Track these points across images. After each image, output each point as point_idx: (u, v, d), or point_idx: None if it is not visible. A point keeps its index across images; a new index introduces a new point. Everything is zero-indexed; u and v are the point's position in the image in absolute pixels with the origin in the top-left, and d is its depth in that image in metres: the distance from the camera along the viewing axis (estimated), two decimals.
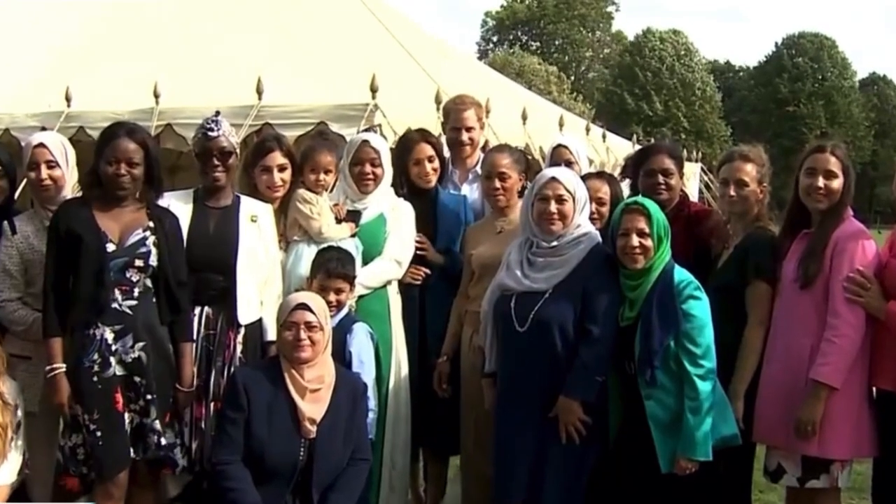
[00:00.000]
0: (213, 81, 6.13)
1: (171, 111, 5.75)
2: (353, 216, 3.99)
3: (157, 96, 5.78)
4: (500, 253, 3.61)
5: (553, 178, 3.45)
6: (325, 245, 3.79)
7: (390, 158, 4.09)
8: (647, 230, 3.30)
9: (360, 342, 3.64)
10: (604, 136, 8.19)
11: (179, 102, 5.79)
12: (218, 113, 3.66)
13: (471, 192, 4.46)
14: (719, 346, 3.27)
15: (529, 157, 4.44)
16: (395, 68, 6.69)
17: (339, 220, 3.93)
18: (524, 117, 6.60)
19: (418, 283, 4.10)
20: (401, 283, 4.05)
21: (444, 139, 4.54)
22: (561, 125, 7.04)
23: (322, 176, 3.92)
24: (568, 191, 3.44)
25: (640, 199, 3.47)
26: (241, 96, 5.64)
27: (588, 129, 7.74)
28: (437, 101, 5.66)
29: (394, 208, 4.06)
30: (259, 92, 5.58)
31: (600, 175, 4.07)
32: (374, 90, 5.42)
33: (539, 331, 3.33)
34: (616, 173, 4.60)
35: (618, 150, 8.22)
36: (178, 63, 6.43)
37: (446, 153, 4.43)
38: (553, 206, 3.42)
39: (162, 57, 6.55)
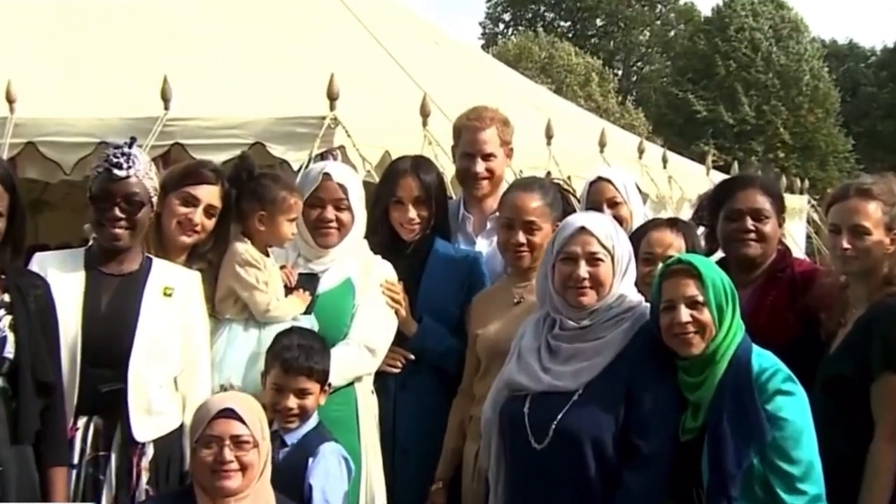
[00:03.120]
0: (99, 84, 6.27)
1: (33, 124, 5.77)
2: (308, 282, 4.11)
3: (10, 101, 5.76)
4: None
5: (582, 229, 3.55)
6: (279, 326, 3.90)
7: (362, 197, 4.22)
8: (699, 298, 3.39)
9: (328, 472, 3.68)
10: (664, 160, 8.26)
11: (44, 111, 5.87)
12: (134, 140, 3.74)
13: (488, 245, 4.62)
14: (827, 462, 3.34)
15: (570, 193, 4.53)
16: (363, 66, 6.89)
17: (288, 290, 4.04)
18: (549, 134, 6.70)
19: (396, 371, 4.25)
20: (375, 376, 4.18)
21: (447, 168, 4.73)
22: (601, 145, 7.14)
23: (290, 228, 4.05)
24: (604, 247, 3.54)
25: (685, 255, 3.57)
26: (140, 105, 5.76)
27: (641, 151, 7.81)
28: (424, 112, 5.80)
29: (366, 271, 4.17)
30: (165, 99, 5.68)
31: (671, 224, 4.14)
32: (332, 97, 5.49)
33: (564, 448, 3.37)
34: (685, 215, 4.74)
35: (685, 179, 8.27)
36: (48, 58, 6.59)
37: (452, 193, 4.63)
38: (583, 270, 3.51)
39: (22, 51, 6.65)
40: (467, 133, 4.71)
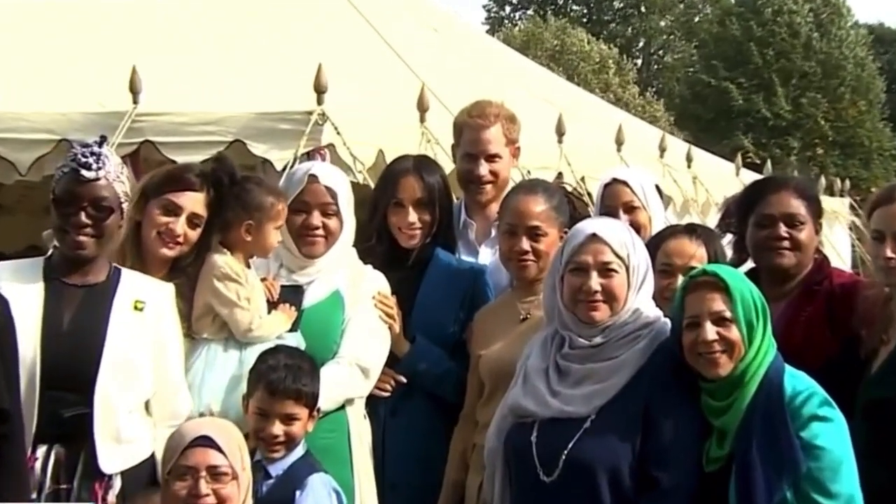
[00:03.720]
0: (60, 75, 6.26)
1: None
2: (292, 295, 4.12)
3: None
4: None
5: (594, 237, 3.58)
6: (262, 345, 3.91)
7: (352, 201, 4.24)
8: (727, 313, 3.41)
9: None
10: (688, 158, 8.22)
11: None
12: (104, 139, 3.74)
13: (492, 255, 4.65)
14: (868, 495, 3.35)
15: (576, 198, 4.56)
16: (355, 55, 6.92)
17: (271, 305, 4.06)
18: (560, 131, 6.70)
19: (386, 395, 4.27)
20: (367, 400, 4.20)
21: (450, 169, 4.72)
22: (619, 143, 7.12)
23: (277, 237, 4.09)
24: (618, 256, 3.57)
25: (710, 266, 3.59)
26: (106, 98, 5.79)
27: (663, 149, 7.80)
28: (422, 107, 5.80)
29: (355, 283, 4.20)
30: (134, 91, 5.69)
31: (690, 231, 4.15)
32: (320, 90, 5.51)
33: (576, 480, 3.38)
34: (712, 220, 4.75)
35: (712, 179, 8.29)
36: (3, 47, 6.62)
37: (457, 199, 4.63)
38: (594, 282, 3.54)
39: None
40: (469, 131, 4.72)
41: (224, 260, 4.02)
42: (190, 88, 6.12)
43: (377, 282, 4.27)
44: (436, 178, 4.47)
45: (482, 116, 4.70)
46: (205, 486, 3.37)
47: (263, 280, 4.12)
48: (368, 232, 4.43)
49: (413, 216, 4.39)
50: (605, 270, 3.54)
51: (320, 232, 4.14)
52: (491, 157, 4.68)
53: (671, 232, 4.17)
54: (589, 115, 8.64)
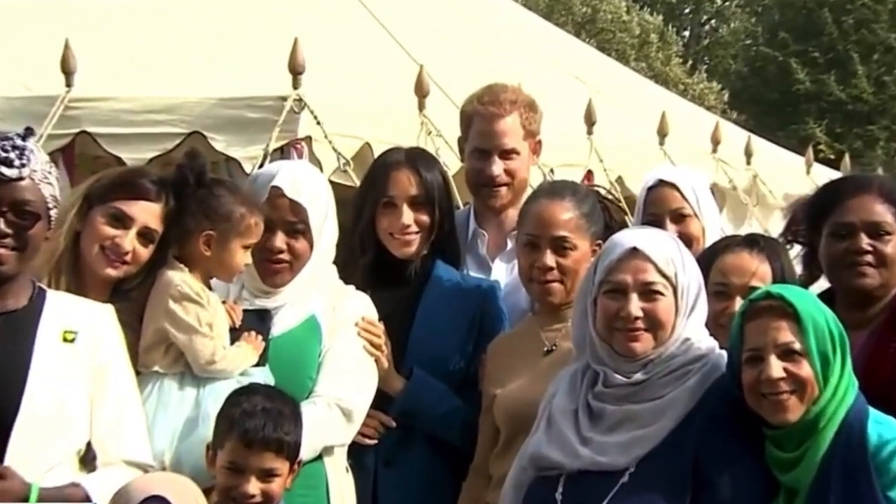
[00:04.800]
0: None
1: None
2: (257, 322, 4.14)
3: None
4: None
5: (635, 251, 3.60)
6: (224, 382, 3.94)
7: (333, 207, 4.25)
8: (796, 345, 3.41)
9: None
10: (748, 152, 8.18)
11: None
12: (30, 131, 3.68)
13: (508, 272, 4.67)
14: None
15: (612, 202, 4.55)
16: (338, 30, 6.93)
17: (233, 333, 4.07)
18: (591, 119, 6.69)
19: (371, 443, 4.29)
20: (350, 448, 4.21)
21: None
22: (662, 134, 7.13)
23: (245, 257, 4.10)
24: (663, 275, 3.59)
25: (775, 287, 3.60)
26: (33, 80, 5.82)
27: (717, 141, 7.73)
28: (420, 91, 5.81)
29: (335, 306, 4.22)
30: (67, 72, 5.67)
31: (750, 244, 4.15)
32: (296, 71, 5.52)
33: None
34: (775, 228, 4.78)
35: (776, 177, 8.23)
36: None
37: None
38: (635, 306, 3.56)
39: None
40: (480, 122, 4.73)
41: (181, 277, 4.02)
42: (135, 69, 6.12)
43: (361, 304, 4.27)
44: (434, 174, 4.50)
45: (495, 103, 4.70)
46: None
47: (223, 303, 4.13)
48: (352, 242, 4.46)
49: (408, 216, 4.40)
50: (648, 292, 3.56)
51: (284, 256, 4.16)
52: (506, 154, 4.69)
53: (727, 244, 4.17)
54: (626, 97, 8.61)
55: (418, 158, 4.55)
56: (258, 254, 4.12)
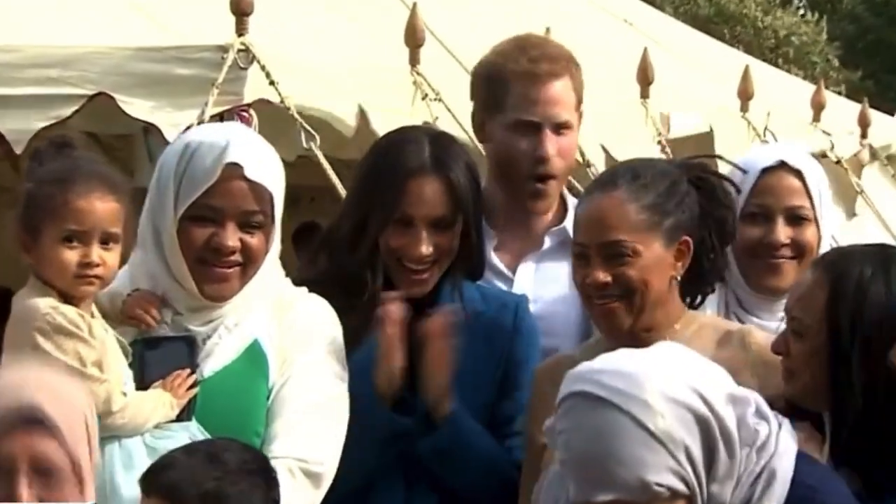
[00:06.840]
0: None
1: None
2: (179, 355, 3.65)
3: None
4: None
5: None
6: (133, 441, 3.54)
7: (281, 194, 3.74)
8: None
9: None
10: (863, 122, 8.13)
11: None
12: None
13: (535, 276, 4.37)
14: None
15: (712, 176, 4.05)
16: None
17: (158, 370, 3.64)
18: (647, 79, 6.38)
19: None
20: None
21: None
22: (745, 97, 6.85)
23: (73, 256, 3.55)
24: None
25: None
26: None
27: (819, 105, 7.55)
28: (412, 41, 5.57)
29: (283, 322, 3.76)
30: None
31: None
32: (241, 12, 5.20)
33: None
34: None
35: None
36: None
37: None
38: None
39: None
40: (526, 85, 4.26)
41: (48, 304, 3.50)
42: (23, 10, 5.75)
43: (317, 309, 3.79)
44: (461, 172, 4.00)
45: (550, 60, 4.28)
46: None
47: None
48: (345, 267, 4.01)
49: (427, 245, 3.93)
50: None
51: (236, 258, 3.62)
52: (560, 127, 4.27)
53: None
54: (686, 48, 8.65)
55: (442, 149, 4.02)
56: (200, 253, 3.63)
